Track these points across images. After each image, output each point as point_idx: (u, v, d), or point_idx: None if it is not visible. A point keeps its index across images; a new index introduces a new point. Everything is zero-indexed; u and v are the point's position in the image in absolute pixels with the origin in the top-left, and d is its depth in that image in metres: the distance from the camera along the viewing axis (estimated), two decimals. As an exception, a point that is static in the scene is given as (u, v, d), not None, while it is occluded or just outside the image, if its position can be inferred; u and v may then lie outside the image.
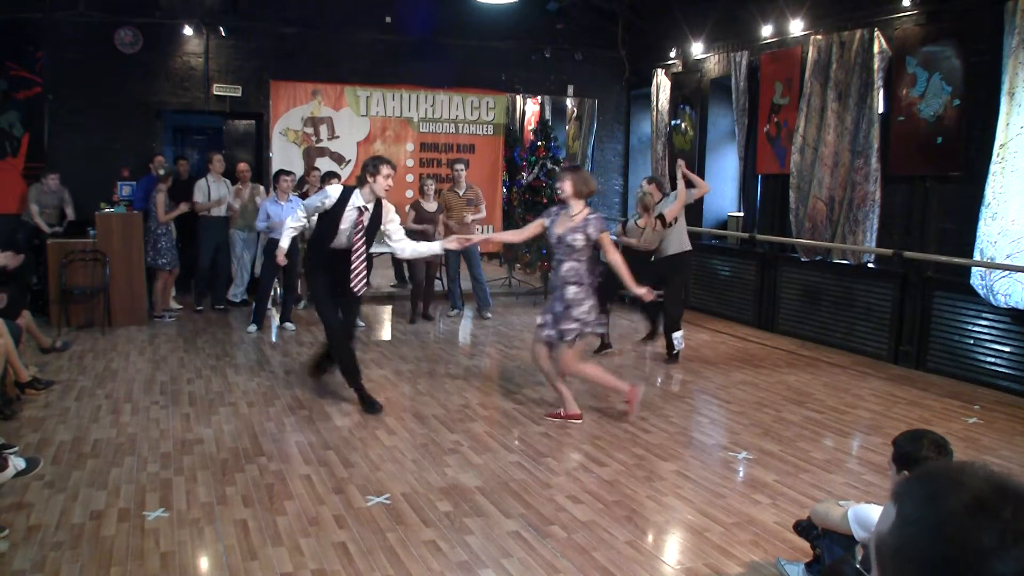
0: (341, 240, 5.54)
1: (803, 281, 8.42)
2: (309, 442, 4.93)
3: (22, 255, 6.41)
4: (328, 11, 10.06)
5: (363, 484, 4.27)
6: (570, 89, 11.57)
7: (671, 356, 7.31)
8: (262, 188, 9.36)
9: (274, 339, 7.98)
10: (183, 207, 8.61)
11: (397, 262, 10.80)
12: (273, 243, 8.12)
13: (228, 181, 9.16)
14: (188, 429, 5.13)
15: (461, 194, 9.01)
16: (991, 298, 6.29)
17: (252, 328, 8.12)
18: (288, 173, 8.34)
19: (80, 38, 9.25)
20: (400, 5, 10.15)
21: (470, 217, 8.96)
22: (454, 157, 10.10)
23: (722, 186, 10.10)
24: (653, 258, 7.29)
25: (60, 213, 8.91)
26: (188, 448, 4.78)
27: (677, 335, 7.31)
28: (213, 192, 8.91)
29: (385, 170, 5.43)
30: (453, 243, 5.75)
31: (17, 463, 4.15)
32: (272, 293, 8.72)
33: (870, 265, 7.69)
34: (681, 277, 7.43)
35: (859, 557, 2.70)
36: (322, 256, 5.64)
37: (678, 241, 7.30)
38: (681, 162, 7.72)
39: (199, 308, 9.05)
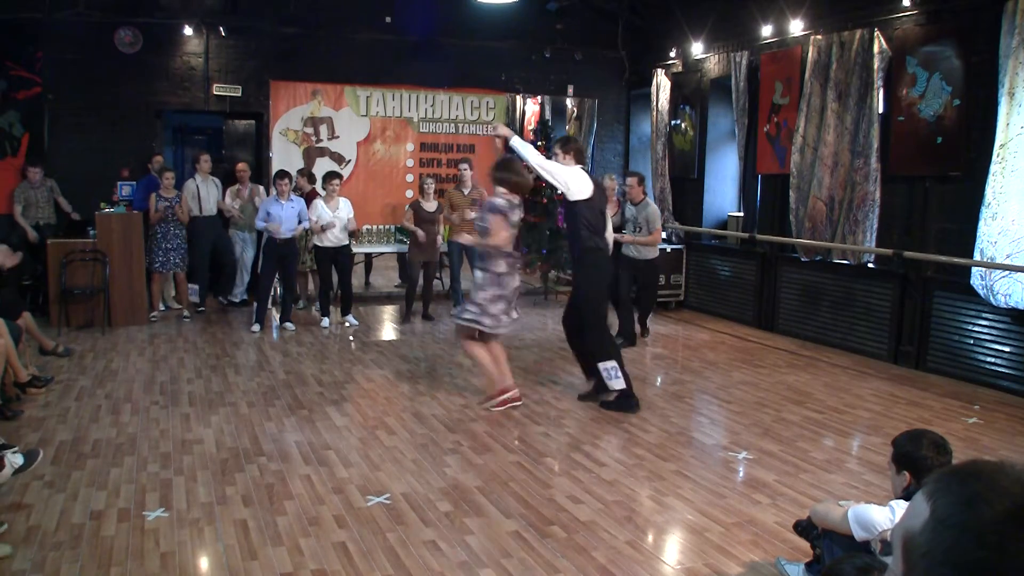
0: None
1: (803, 281, 8.42)
2: (309, 442, 4.93)
3: (20, 253, 6.40)
4: (328, 11, 10.06)
5: (363, 484, 4.27)
6: (570, 89, 11.56)
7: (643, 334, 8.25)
8: (262, 188, 9.36)
9: (274, 339, 7.98)
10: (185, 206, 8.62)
11: (401, 262, 10.79)
12: (271, 242, 8.14)
13: (217, 180, 9.14)
14: (188, 429, 5.13)
15: (466, 193, 8.97)
16: (991, 298, 6.29)
17: (256, 328, 8.15)
18: (286, 174, 8.33)
19: (80, 38, 9.24)
20: (400, 5, 10.14)
21: (471, 213, 8.81)
22: (457, 157, 10.11)
23: (722, 186, 10.10)
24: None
25: (54, 208, 8.89)
26: (188, 448, 4.78)
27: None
28: (202, 192, 8.90)
29: None
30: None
31: (14, 460, 3.99)
32: (272, 293, 8.72)
33: (870, 265, 7.68)
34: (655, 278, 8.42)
35: (876, 549, 2.70)
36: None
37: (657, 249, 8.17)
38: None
39: (201, 308, 9.05)
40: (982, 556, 0.84)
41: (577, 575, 3.36)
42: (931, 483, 0.93)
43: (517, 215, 5.71)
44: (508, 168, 5.69)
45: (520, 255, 6.12)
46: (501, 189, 5.65)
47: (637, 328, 8.18)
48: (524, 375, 6.69)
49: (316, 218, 8.28)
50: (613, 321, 8.14)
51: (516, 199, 5.70)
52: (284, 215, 8.04)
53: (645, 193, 8.07)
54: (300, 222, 8.20)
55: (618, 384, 5.62)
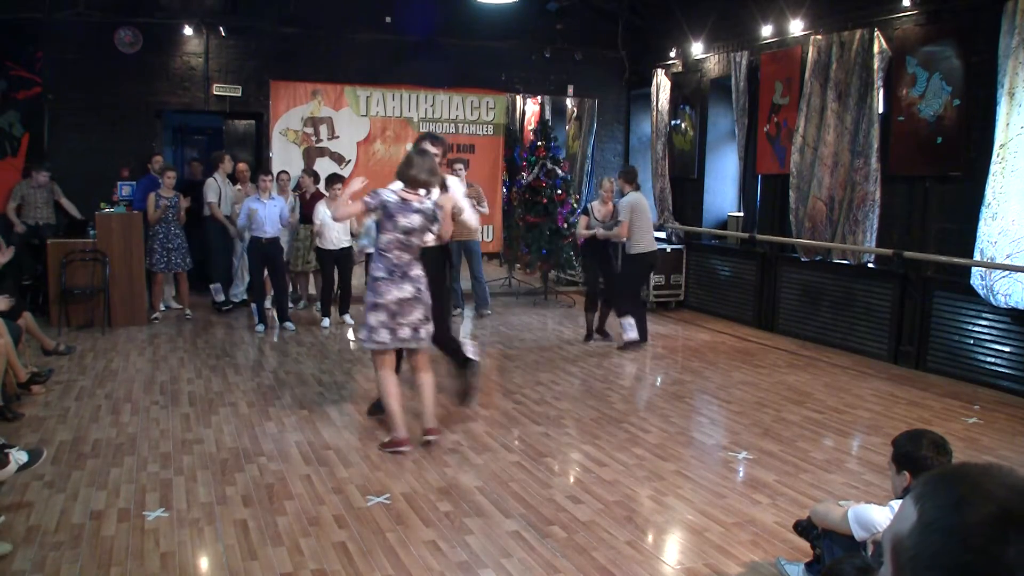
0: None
1: (803, 281, 8.42)
2: (309, 442, 4.93)
3: (12, 248, 6.41)
4: (328, 11, 10.06)
5: (363, 484, 4.27)
6: (570, 89, 11.56)
7: (628, 344, 7.66)
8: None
9: (274, 339, 7.98)
10: (183, 206, 8.64)
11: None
12: (255, 241, 8.11)
13: (231, 183, 9.18)
14: (188, 429, 5.13)
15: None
16: (991, 298, 6.29)
17: (260, 328, 8.18)
18: (267, 173, 8.35)
19: (80, 38, 9.24)
20: (400, 5, 10.14)
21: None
22: (454, 157, 10.10)
23: (722, 186, 10.10)
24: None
25: (53, 209, 8.88)
26: (188, 448, 4.78)
27: (624, 321, 7.71)
28: (224, 191, 8.94)
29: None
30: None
31: (19, 457, 3.95)
32: (270, 294, 8.70)
33: (870, 265, 7.68)
34: (633, 272, 7.90)
35: (869, 551, 2.70)
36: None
37: (637, 243, 7.71)
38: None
39: (228, 307, 9.09)
40: (969, 559, 0.84)
41: (577, 575, 3.36)
42: (918, 487, 0.93)
43: (414, 219, 4.72)
44: (411, 164, 4.83)
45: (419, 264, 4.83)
46: (399, 184, 4.85)
47: (597, 324, 8.11)
48: (524, 375, 6.69)
49: (319, 221, 8.31)
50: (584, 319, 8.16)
51: (417, 200, 4.77)
52: (267, 213, 8.02)
53: (637, 186, 7.90)
54: (282, 220, 8.19)
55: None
